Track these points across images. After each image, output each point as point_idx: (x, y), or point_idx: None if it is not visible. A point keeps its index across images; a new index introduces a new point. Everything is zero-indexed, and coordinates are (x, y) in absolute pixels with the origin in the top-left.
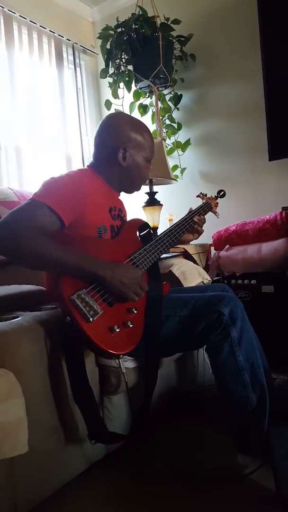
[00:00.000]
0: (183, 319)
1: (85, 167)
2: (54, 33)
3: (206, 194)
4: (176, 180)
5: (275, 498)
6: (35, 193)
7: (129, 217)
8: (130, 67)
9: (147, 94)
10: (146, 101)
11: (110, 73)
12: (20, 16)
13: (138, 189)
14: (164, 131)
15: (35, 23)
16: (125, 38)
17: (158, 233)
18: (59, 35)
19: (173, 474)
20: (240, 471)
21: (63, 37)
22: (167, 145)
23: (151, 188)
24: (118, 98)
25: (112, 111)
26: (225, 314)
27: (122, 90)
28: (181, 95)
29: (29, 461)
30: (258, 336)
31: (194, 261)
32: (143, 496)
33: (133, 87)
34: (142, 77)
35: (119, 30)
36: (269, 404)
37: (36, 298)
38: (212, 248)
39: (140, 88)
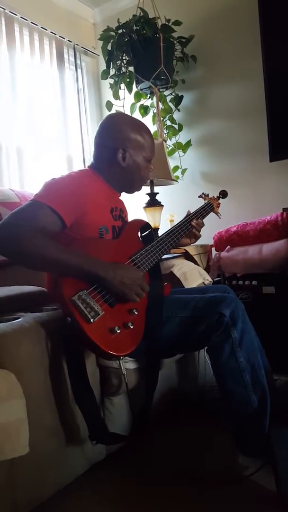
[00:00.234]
0: (184, 320)
1: (86, 167)
2: (55, 34)
3: (208, 194)
4: (177, 181)
5: (275, 499)
6: (36, 194)
7: (130, 218)
8: (131, 68)
9: (148, 95)
10: (147, 102)
11: (111, 74)
12: (21, 17)
13: (138, 189)
14: (165, 132)
15: (36, 25)
16: (126, 39)
17: (159, 234)
18: (60, 36)
19: (174, 475)
20: (240, 472)
21: (64, 38)
22: (168, 146)
23: (152, 189)
24: (119, 99)
25: (113, 112)
26: (226, 315)
27: (123, 91)
28: (182, 96)
29: (30, 462)
30: (259, 337)
31: (195, 262)
32: (144, 497)
33: (134, 88)
34: (143, 78)
35: (120, 31)
36: (270, 405)
37: (37, 299)
38: (213, 248)
39: (141, 89)
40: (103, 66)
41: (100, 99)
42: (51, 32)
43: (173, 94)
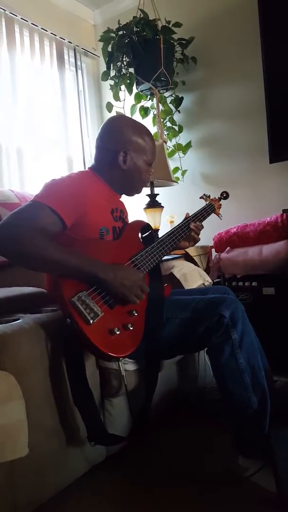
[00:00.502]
0: (184, 321)
1: (86, 169)
2: (55, 35)
3: (209, 195)
4: (177, 182)
5: (275, 500)
6: (36, 195)
7: (130, 219)
8: (131, 70)
9: (148, 96)
10: (147, 103)
11: (111, 76)
12: (21, 18)
13: (138, 192)
14: (165, 133)
15: (37, 26)
16: (127, 41)
17: (159, 236)
18: (60, 37)
19: (174, 476)
20: (240, 473)
21: (64, 39)
22: (168, 148)
23: (152, 190)
24: (119, 101)
25: (113, 113)
26: (226, 316)
27: (123, 92)
28: (182, 98)
29: (30, 463)
30: (259, 338)
31: (195, 263)
32: (144, 498)
33: (134, 90)
34: (143, 80)
35: (120, 33)
36: (270, 406)
37: (36, 300)
38: (213, 250)
39: (141, 91)
40: (103, 68)
41: (100, 100)
42: (51, 33)
43: (173, 95)
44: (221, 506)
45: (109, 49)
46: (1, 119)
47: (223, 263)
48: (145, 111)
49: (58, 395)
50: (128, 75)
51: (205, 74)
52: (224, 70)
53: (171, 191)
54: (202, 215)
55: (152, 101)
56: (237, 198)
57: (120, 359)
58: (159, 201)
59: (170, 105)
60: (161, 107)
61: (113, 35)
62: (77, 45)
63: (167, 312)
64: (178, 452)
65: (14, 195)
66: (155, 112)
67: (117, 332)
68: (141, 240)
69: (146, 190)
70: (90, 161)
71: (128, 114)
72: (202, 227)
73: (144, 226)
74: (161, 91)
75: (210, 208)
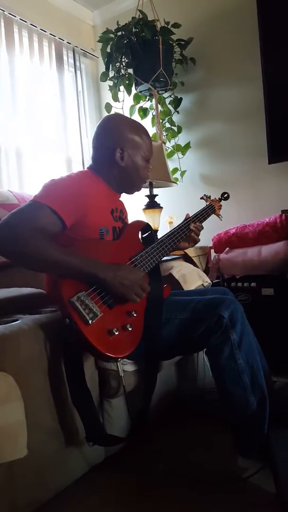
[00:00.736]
0: (183, 322)
1: (85, 169)
2: (54, 36)
3: (209, 196)
4: (176, 183)
5: (275, 501)
6: (35, 195)
7: (129, 220)
8: (130, 71)
9: (147, 97)
10: (146, 104)
11: (110, 76)
12: (20, 19)
13: (138, 189)
14: (164, 134)
15: (36, 26)
16: (126, 41)
17: (158, 236)
18: (59, 38)
19: (173, 477)
20: (240, 473)
21: (63, 40)
22: (167, 148)
23: (151, 191)
24: (118, 101)
25: (112, 113)
26: (225, 317)
27: (122, 93)
28: (181, 98)
29: (29, 464)
30: (258, 339)
31: (194, 264)
32: (143, 499)
33: (133, 90)
34: (142, 81)
35: (119, 33)
36: (269, 407)
37: (36, 301)
38: (212, 250)
39: (140, 91)
40: (102, 68)
41: (99, 101)
42: (50, 34)
43: (172, 96)
44: (221, 507)
45: (108, 49)
46: (0, 120)
47: (222, 263)
48: (144, 112)
49: (57, 395)
50: (127, 75)
51: (204, 75)
52: (223, 71)
53: (170, 191)
54: (202, 215)
55: (151, 101)
56: (236, 198)
57: (119, 359)
58: (158, 202)
59: (169, 106)
60: (160, 107)
61: (112, 36)
62: (76, 46)
63: (166, 312)
64: (177, 453)
65: (13, 195)
66: (154, 113)
67: (116, 333)
68: (141, 240)
69: (145, 191)
70: (89, 161)
71: (127, 114)
72: (202, 227)
73: (144, 227)
74: (160, 92)
75: (210, 209)
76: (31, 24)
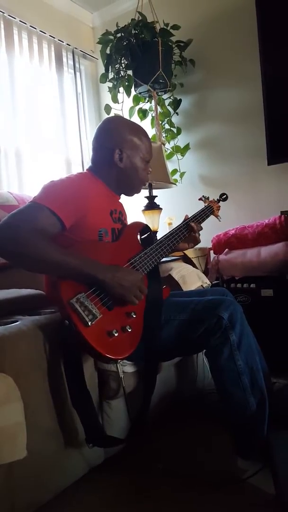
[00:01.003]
0: (183, 323)
1: (85, 170)
2: (54, 38)
3: (208, 197)
4: (175, 184)
5: (274, 502)
6: (35, 196)
7: (128, 221)
8: (130, 72)
9: (147, 98)
10: (145, 105)
11: (109, 78)
12: (20, 21)
13: (138, 191)
14: (164, 135)
15: (35, 28)
16: (125, 43)
17: (158, 238)
18: (59, 40)
19: (173, 478)
20: (239, 474)
21: (63, 42)
22: (167, 150)
23: (150, 192)
24: (118, 103)
25: (111, 115)
26: (224, 318)
27: (121, 94)
28: (180, 100)
29: (28, 465)
30: (258, 340)
31: (194, 265)
32: (143, 500)
33: (133, 92)
34: (141, 82)
35: (119, 35)
36: (269, 408)
37: (35, 302)
38: (212, 251)
39: (140, 93)
40: (101, 70)
41: (99, 102)
42: (50, 35)
43: (171, 97)
44: (220, 508)
45: (108, 51)
46: (0, 121)
47: (222, 265)
48: (143, 113)
49: (56, 397)
50: (126, 77)
51: (203, 76)
52: (222, 72)
53: (170, 193)
54: (201, 217)
55: (150, 103)
56: (235, 200)
57: (118, 361)
58: (158, 203)
59: (169, 107)
60: (159, 109)
61: (111, 37)
62: (75, 48)
63: (165, 314)
64: (177, 454)
65: (12, 197)
66: (153, 114)
67: (116, 334)
68: (140, 241)
69: (144, 192)
70: (89, 163)
71: (126, 116)
72: (201, 228)
73: (143, 228)
74: (159, 93)
75: (209, 210)
76: (30, 26)
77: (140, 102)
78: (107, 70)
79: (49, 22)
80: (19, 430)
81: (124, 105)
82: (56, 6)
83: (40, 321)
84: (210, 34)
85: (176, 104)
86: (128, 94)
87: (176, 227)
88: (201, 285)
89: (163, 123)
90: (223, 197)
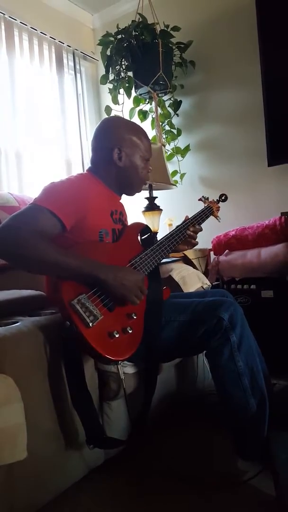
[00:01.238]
0: (183, 324)
1: (85, 171)
2: (54, 39)
3: (208, 198)
4: (175, 185)
5: (275, 503)
6: (35, 198)
7: (129, 222)
8: (130, 74)
9: (147, 100)
10: (146, 107)
11: (110, 79)
12: (21, 22)
13: (138, 190)
14: (164, 137)
15: (36, 30)
16: (125, 44)
17: (158, 238)
18: (59, 41)
19: (173, 479)
20: (240, 476)
21: (63, 43)
22: (167, 151)
23: (150, 193)
24: (118, 104)
25: (110, 115)
26: (224, 319)
27: (122, 96)
28: (180, 101)
29: (28, 466)
30: (258, 341)
31: (194, 266)
32: (143, 501)
33: (133, 93)
34: (142, 83)
35: (119, 36)
36: (269, 409)
37: (35, 303)
38: (212, 253)
39: (140, 94)
40: (102, 71)
41: (99, 104)
42: (50, 37)
43: (171, 99)
44: (220, 509)
45: (108, 53)
46: (0, 123)
47: (222, 266)
48: (143, 115)
49: (56, 398)
50: (126, 78)
51: (203, 77)
52: (222, 74)
53: (170, 194)
54: (200, 217)
55: (150, 104)
56: (235, 201)
57: (119, 362)
58: (158, 204)
59: (169, 109)
60: (159, 110)
61: (112, 39)
62: (76, 49)
63: (166, 315)
64: (177, 455)
65: (13, 198)
66: (153, 116)
67: (116, 335)
68: (140, 242)
69: (144, 193)
70: (89, 164)
71: (127, 117)
72: (201, 229)
73: (143, 228)
74: (159, 95)
75: (209, 211)
76: (31, 27)
77: (141, 104)
78: (107, 71)
79: (50, 24)
80: (19, 431)
81: (124, 107)
82: (56, 7)
83: (41, 322)
84: (210, 35)
85: (176, 105)
86: (129, 95)
87: (175, 228)
88: (201, 286)
89: (163, 125)
90: (223, 198)
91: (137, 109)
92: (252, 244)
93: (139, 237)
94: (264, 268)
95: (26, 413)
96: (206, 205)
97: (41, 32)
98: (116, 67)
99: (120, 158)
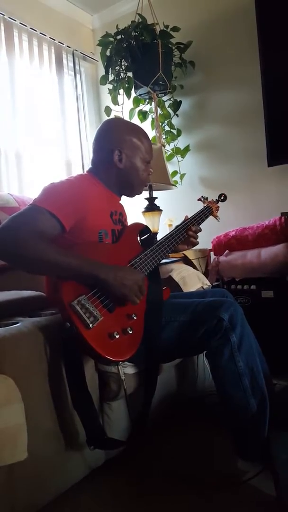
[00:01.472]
0: (183, 325)
1: (85, 172)
2: (54, 40)
3: (207, 197)
4: (175, 185)
5: (275, 503)
6: (35, 199)
7: (129, 223)
8: (130, 74)
9: (147, 100)
10: (145, 107)
11: (110, 80)
12: (20, 23)
13: (139, 192)
14: (164, 137)
15: (35, 30)
16: (125, 45)
17: (158, 239)
18: (59, 42)
19: (173, 480)
20: (240, 476)
21: (63, 44)
22: (167, 151)
23: (150, 194)
24: (118, 105)
25: (111, 117)
26: (225, 319)
27: (122, 96)
28: (180, 102)
29: (29, 467)
30: (258, 342)
31: (194, 266)
32: (143, 502)
33: (133, 94)
34: (141, 84)
35: (119, 37)
36: (269, 409)
37: (35, 303)
38: (212, 253)
39: (140, 95)
40: (102, 72)
41: (99, 104)
42: (50, 37)
43: (171, 99)
44: (221, 509)
45: (108, 53)
46: (0, 123)
47: (222, 266)
48: (143, 115)
49: (57, 398)
50: (126, 79)
51: (203, 78)
52: (222, 74)
53: (170, 194)
54: (200, 217)
55: (150, 105)
56: (235, 201)
57: (119, 362)
58: (158, 205)
59: (169, 109)
60: (159, 111)
61: (111, 39)
62: (75, 50)
63: (166, 315)
64: (177, 455)
65: (13, 199)
66: (153, 116)
67: (117, 336)
68: (140, 243)
69: (144, 194)
70: (89, 164)
71: (126, 118)
72: (200, 229)
73: (143, 229)
74: (159, 95)
75: (208, 211)
76: (31, 28)
77: (140, 104)
78: (107, 72)
79: (49, 24)
80: (20, 432)
81: (124, 107)
82: (56, 8)
83: (41, 323)
84: (210, 35)
85: (176, 106)
86: (128, 96)
87: (175, 228)
88: (202, 287)
89: (163, 125)
90: (222, 198)
91: (137, 109)
92: (252, 245)
93: (138, 238)
94: (264, 268)
95: (27, 414)
96: (205, 205)
97: (40, 33)
98: (116, 68)
99: (120, 160)
